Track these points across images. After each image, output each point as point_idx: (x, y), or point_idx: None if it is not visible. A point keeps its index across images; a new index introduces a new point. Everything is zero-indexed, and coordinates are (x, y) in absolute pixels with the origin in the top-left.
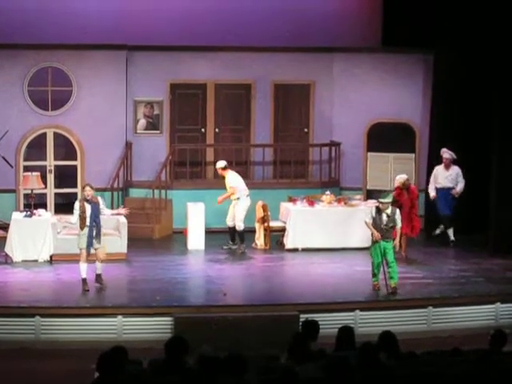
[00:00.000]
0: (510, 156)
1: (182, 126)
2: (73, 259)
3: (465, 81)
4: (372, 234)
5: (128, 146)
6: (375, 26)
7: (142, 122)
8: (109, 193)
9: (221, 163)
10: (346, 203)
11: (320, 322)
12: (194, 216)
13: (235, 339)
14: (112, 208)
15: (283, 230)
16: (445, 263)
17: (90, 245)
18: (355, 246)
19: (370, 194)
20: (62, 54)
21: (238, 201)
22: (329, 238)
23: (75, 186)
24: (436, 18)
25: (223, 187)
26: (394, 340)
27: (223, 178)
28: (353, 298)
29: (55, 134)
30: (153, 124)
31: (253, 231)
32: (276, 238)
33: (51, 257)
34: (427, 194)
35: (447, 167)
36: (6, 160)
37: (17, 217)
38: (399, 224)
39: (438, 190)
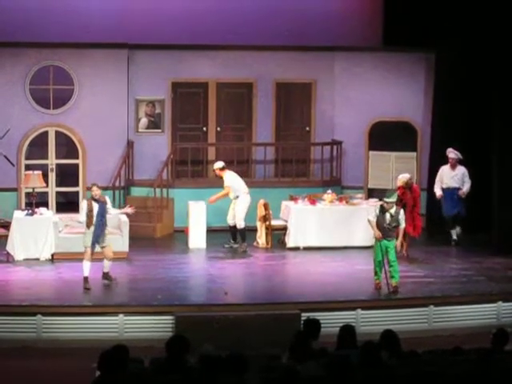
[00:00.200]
0: (511, 155)
1: (183, 125)
2: (74, 258)
3: (466, 79)
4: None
5: (129, 144)
6: (376, 24)
7: (144, 121)
8: (110, 191)
9: (218, 164)
10: (347, 202)
11: (321, 321)
12: (196, 215)
13: (236, 338)
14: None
15: (285, 228)
16: (446, 262)
17: (95, 243)
18: (357, 245)
19: (372, 193)
20: (64, 52)
21: (237, 199)
22: (330, 236)
23: (77, 184)
24: (437, 17)
25: (223, 187)
26: (395, 339)
27: (221, 178)
28: (354, 297)
29: (57, 132)
30: (154, 123)
31: (254, 230)
32: (277, 236)
33: (53, 255)
34: (429, 192)
35: (453, 167)
36: (7, 158)
37: (18, 215)
38: (403, 224)
39: (443, 190)
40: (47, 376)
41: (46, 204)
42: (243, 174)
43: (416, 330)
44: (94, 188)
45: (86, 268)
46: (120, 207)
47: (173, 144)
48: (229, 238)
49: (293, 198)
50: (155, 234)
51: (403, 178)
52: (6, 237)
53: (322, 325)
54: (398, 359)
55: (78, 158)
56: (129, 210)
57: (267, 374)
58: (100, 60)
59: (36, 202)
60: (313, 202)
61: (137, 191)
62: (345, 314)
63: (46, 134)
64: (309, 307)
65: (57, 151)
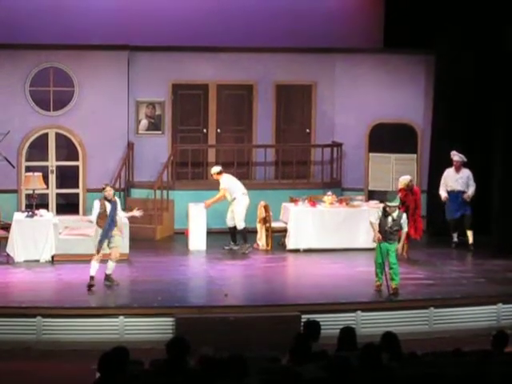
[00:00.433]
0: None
1: (183, 127)
2: (74, 259)
3: (466, 81)
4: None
5: (130, 146)
6: (377, 26)
7: (144, 123)
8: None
9: (215, 168)
10: (347, 204)
11: (321, 323)
12: (196, 216)
13: (236, 340)
14: None
15: (285, 230)
16: (446, 264)
17: (103, 242)
18: (357, 247)
19: (372, 195)
20: (64, 54)
21: (235, 201)
22: (330, 238)
23: (77, 186)
24: (437, 19)
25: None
26: (395, 341)
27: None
28: (354, 299)
29: (57, 134)
30: (155, 124)
31: (254, 232)
32: (278, 238)
33: (53, 257)
34: (429, 195)
35: (457, 170)
36: (7, 160)
37: (18, 217)
38: (405, 228)
39: (448, 193)
40: (47, 378)
41: (46, 206)
42: (243, 176)
43: (416, 332)
44: (108, 188)
45: (95, 268)
46: (126, 210)
47: (173, 146)
48: (229, 240)
49: (293, 200)
50: (155, 236)
51: (404, 179)
52: (6, 238)
53: (322, 327)
54: (399, 361)
55: (78, 159)
56: (137, 213)
57: (267, 377)
58: (100, 62)
59: (36, 203)
60: (313, 204)
61: (137, 193)
62: (345, 315)
63: (46, 135)
64: (309, 309)
65: (57, 153)
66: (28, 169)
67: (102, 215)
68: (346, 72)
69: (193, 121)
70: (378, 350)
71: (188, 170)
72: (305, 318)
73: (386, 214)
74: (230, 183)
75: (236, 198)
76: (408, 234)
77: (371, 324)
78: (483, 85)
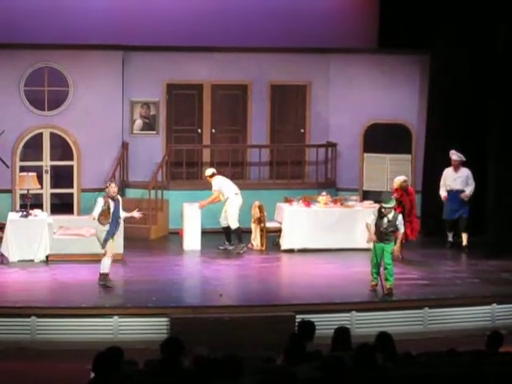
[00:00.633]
0: (507, 157)
1: (178, 127)
2: (69, 259)
3: (461, 81)
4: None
5: (124, 146)
6: (372, 26)
7: (139, 123)
8: (105, 193)
9: (208, 171)
10: (342, 204)
11: (316, 323)
12: (190, 217)
13: (231, 340)
14: None
15: (279, 230)
16: (441, 264)
17: (108, 240)
18: (351, 247)
19: (367, 195)
20: (59, 54)
21: (228, 201)
22: (325, 238)
23: (71, 186)
24: (432, 19)
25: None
26: (390, 341)
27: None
28: (349, 299)
29: (51, 134)
30: (149, 124)
31: (249, 232)
32: (272, 238)
33: (47, 257)
34: (423, 195)
35: (456, 169)
36: (2, 160)
37: (13, 217)
38: (402, 230)
39: (447, 192)
40: (41, 378)
41: (40, 206)
42: (238, 176)
43: (411, 332)
44: (113, 185)
45: (107, 265)
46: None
47: (167, 146)
48: (223, 240)
49: (287, 200)
50: (150, 236)
51: (398, 180)
52: (1, 238)
53: (317, 327)
54: (393, 361)
55: (72, 159)
56: (136, 214)
57: (262, 377)
58: (95, 62)
59: (30, 203)
60: (307, 204)
61: (131, 193)
62: (339, 315)
63: (40, 135)
64: (303, 309)
65: (51, 153)
66: (22, 168)
67: (104, 212)
68: (340, 72)
69: (187, 121)
70: (373, 350)
71: (182, 170)
72: (299, 318)
73: (381, 215)
74: (221, 184)
75: (229, 198)
76: (405, 235)
77: (366, 324)
78: (478, 84)
